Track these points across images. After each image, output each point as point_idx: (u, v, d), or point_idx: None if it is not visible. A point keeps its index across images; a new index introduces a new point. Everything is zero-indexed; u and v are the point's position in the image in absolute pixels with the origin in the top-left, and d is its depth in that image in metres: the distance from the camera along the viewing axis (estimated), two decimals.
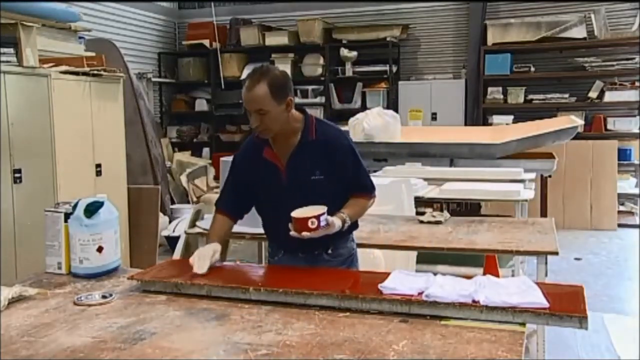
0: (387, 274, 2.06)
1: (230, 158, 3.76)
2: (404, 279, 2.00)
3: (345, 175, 2.38)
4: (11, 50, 4.06)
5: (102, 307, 1.97)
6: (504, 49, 8.17)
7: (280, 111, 2.26)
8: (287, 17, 9.31)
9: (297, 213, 2.21)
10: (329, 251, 2.42)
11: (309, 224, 2.17)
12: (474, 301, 1.80)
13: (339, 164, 2.36)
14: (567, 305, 1.78)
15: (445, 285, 1.90)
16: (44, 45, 4.35)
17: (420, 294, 1.87)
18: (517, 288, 1.89)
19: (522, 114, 8.13)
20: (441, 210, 4.31)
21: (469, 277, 2.01)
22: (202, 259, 2.19)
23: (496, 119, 8.21)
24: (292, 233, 2.20)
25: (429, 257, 4.04)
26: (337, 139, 2.40)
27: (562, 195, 7.63)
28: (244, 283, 2.07)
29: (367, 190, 2.47)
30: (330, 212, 2.24)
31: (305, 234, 2.17)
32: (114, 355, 1.59)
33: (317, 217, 2.17)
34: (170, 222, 6.82)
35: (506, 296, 1.81)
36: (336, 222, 2.25)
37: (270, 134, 2.33)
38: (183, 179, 8.14)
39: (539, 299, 1.79)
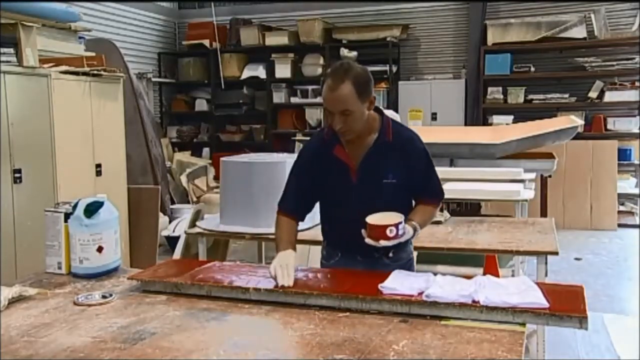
0: (387, 274, 2.06)
1: (229, 158, 3.79)
2: (404, 279, 2.00)
3: (417, 179, 2.31)
4: (11, 50, 4.06)
5: (102, 307, 1.97)
6: (504, 49, 8.16)
7: (363, 110, 2.17)
8: (287, 17, 9.31)
9: (372, 219, 2.12)
10: (390, 255, 2.32)
11: (388, 232, 2.08)
12: (474, 301, 1.80)
13: (413, 167, 2.28)
14: (567, 305, 1.78)
15: (445, 286, 1.90)
16: (44, 45, 4.35)
17: (420, 294, 1.87)
18: (517, 288, 1.89)
19: (522, 114, 8.12)
20: (441, 210, 4.31)
21: (468, 277, 2.01)
22: (286, 268, 2.07)
23: (496, 119, 8.21)
24: (368, 240, 2.11)
25: (429, 257, 4.04)
26: (413, 142, 2.32)
27: (562, 195, 7.63)
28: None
29: (437, 197, 2.40)
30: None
31: (382, 242, 2.09)
32: (114, 355, 1.58)
33: (396, 226, 2.09)
34: (170, 222, 6.82)
35: (506, 296, 1.81)
36: (410, 230, 2.18)
37: (352, 135, 2.22)
38: (183, 179, 8.14)
39: (539, 299, 1.79)
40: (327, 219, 2.43)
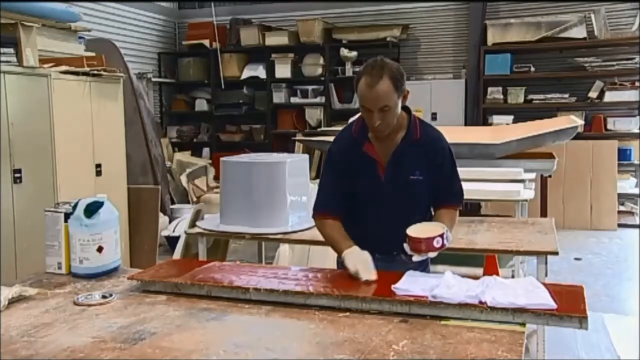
0: (400, 274, 2.06)
1: (229, 158, 3.79)
2: (416, 280, 1.99)
3: (441, 178, 2.34)
4: (11, 50, 4.05)
5: (102, 307, 1.97)
6: (504, 49, 8.16)
7: (398, 105, 2.19)
8: (287, 17, 9.31)
9: (413, 232, 2.09)
10: (408, 252, 2.22)
11: (434, 243, 2.05)
12: (480, 302, 1.80)
13: (438, 166, 2.32)
14: (567, 305, 1.78)
15: (453, 287, 1.89)
16: (44, 45, 4.35)
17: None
18: (524, 289, 1.88)
19: (522, 114, 8.12)
20: None
21: (471, 277, 2.01)
22: (366, 264, 2.10)
23: (496, 119, 8.21)
24: (415, 258, 2.09)
25: None
26: (439, 140, 2.36)
27: (562, 195, 7.63)
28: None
29: (458, 199, 2.43)
30: (422, 217, 2.19)
31: (430, 254, 2.08)
32: (114, 355, 1.58)
33: (442, 236, 2.07)
34: (170, 222, 6.82)
35: (513, 297, 1.80)
36: (450, 237, 2.16)
37: (388, 131, 2.24)
38: (183, 179, 8.14)
39: (546, 300, 1.78)
40: (351, 216, 2.40)
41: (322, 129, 8.18)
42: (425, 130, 2.34)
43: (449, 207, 2.39)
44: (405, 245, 2.11)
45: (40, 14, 4.27)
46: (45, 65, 4.26)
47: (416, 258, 2.11)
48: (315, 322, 1.81)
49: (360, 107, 2.21)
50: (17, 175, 4.01)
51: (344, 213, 2.38)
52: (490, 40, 8.22)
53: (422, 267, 2.34)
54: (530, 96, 8.28)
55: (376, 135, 2.27)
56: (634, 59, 7.72)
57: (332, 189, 2.39)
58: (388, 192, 2.30)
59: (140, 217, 5.10)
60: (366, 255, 2.15)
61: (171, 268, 2.33)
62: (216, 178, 8.25)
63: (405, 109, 2.33)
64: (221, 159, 3.77)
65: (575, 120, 5.95)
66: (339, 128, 7.93)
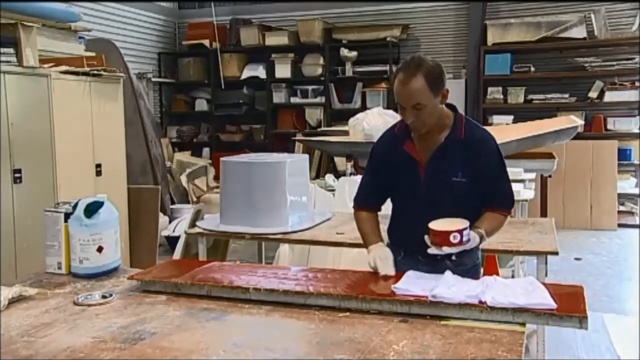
0: (400, 275, 2.06)
1: (229, 158, 3.79)
2: (417, 280, 2.00)
3: (487, 179, 2.24)
4: (11, 50, 4.05)
5: (102, 307, 1.98)
6: (504, 49, 8.16)
7: (436, 104, 2.16)
8: (287, 17, 9.31)
9: (435, 225, 2.07)
10: (453, 258, 2.20)
11: (451, 238, 2.02)
12: (480, 302, 1.80)
13: (483, 166, 2.23)
14: (567, 305, 1.78)
15: (452, 286, 1.90)
16: (44, 45, 4.35)
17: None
18: (524, 289, 1.88)
19: (522, 114, 8.11)
20: None
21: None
22: (386, 260, 2.17)
23: (496, 119, 8.21)
24: (430, 250, 2.08)
25: None
26: (485, 140, 2.28)
27: (562, 195, 7.63)
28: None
29: (506, 205, 2.32)
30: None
31: (445, 248, 2.04)
32: (114, 355, 1.58)
33: (460, 232, 2.03)
34: (170, 222, 6.82)
35: (513, 297, 1.80)
36: (476, 237, 2.12)
37: (425, 129, 2.20)
38: (183, 179, 8.14)
39: (546, 300, 1.78)
40: (394, 215, 2.41)
41: (322, 129, 8.17)
42: (470, 129, 2.28)
43: (494, 211, 2.28)
44: (426, 238, 2.09)
45: (40, 14, 4.27)
46: (45, 65, 4.26)
47: (431, 251, 2.09)
48: (315, 322, 1.81)
49: (397, 103, 2.20)
50: (17, 175, 4.01)
51: (380, 205, 2.43)
52: (490, 40, 8.22)
53: (471, 274, 2.22)
54: (530, 96, 8.27)
55: (413, 132, 2.25)
56: (634, 59, 7.71)
57: (370, 186, 2.43)
58: (428, 192, 2.24)
59: (140, 217, 5.10)
60: (388, 252, 2.22)
61: (171, 268, 2.34)
62: (216, 178, 8.25)
63: (452, 107, 2.29)
64: (221, 159, 3.77)
65: (575, 120, 5.95)
66: (339, 128, 7.90)
